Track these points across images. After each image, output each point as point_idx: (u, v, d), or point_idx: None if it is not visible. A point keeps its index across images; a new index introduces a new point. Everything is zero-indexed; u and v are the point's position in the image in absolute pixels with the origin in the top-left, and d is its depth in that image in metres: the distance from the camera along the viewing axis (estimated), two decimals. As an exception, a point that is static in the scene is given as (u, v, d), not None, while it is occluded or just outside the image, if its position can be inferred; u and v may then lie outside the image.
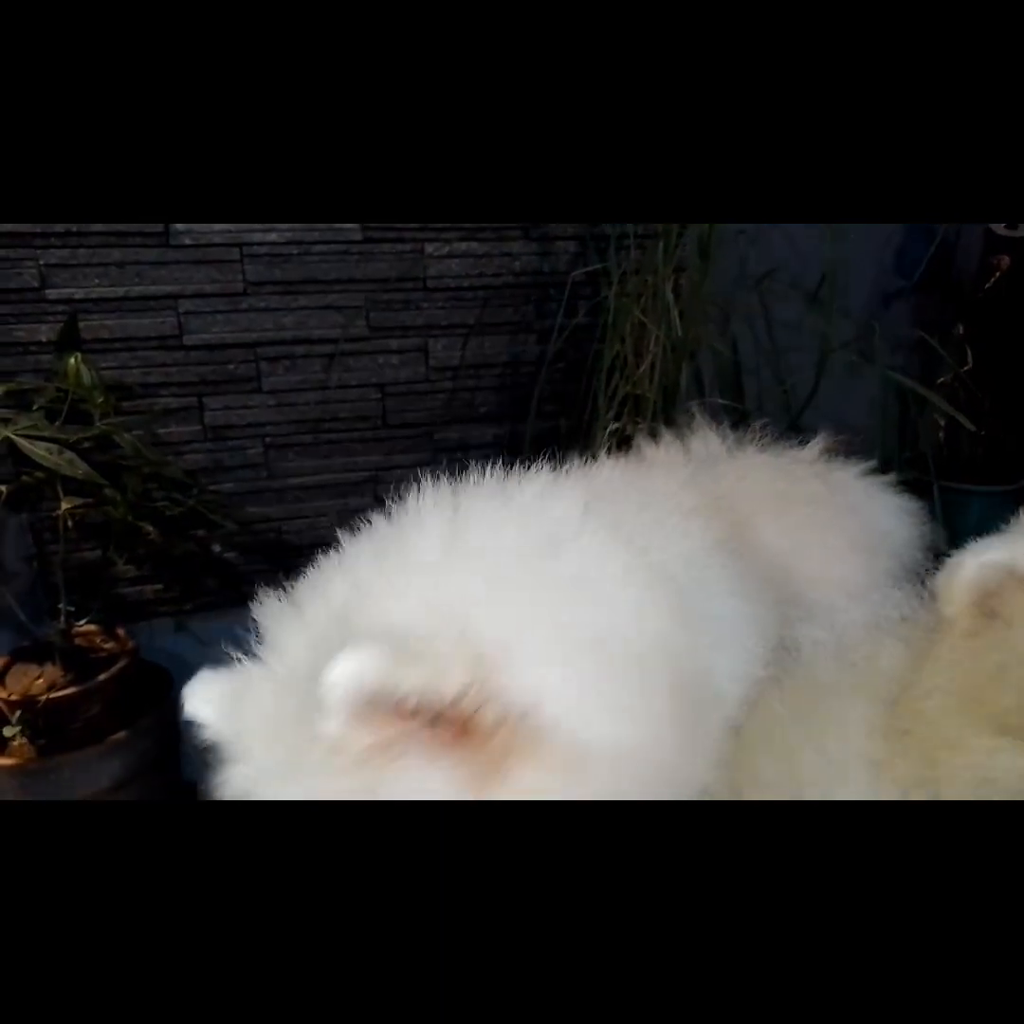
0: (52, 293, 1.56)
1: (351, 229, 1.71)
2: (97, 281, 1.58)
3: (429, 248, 1.78)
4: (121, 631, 1.46)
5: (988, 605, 0.61)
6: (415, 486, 0.78)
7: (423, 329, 1.82)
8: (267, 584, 0.76)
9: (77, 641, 1.41)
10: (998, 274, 2.21)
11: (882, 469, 1.16)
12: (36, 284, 1.55)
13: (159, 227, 1.59)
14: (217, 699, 0.70)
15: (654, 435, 1.18)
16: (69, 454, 1.20)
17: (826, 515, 1.03)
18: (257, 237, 1.66)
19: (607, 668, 0.68)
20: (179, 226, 1.60)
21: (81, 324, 1.39)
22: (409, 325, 1.81)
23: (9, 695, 1.28)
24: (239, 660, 0.71)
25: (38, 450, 1.18)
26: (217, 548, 1.75)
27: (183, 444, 1.71)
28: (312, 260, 1.71)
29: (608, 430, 1.59)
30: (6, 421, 1.18)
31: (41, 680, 1.31)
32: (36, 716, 1.26)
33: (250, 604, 0.75)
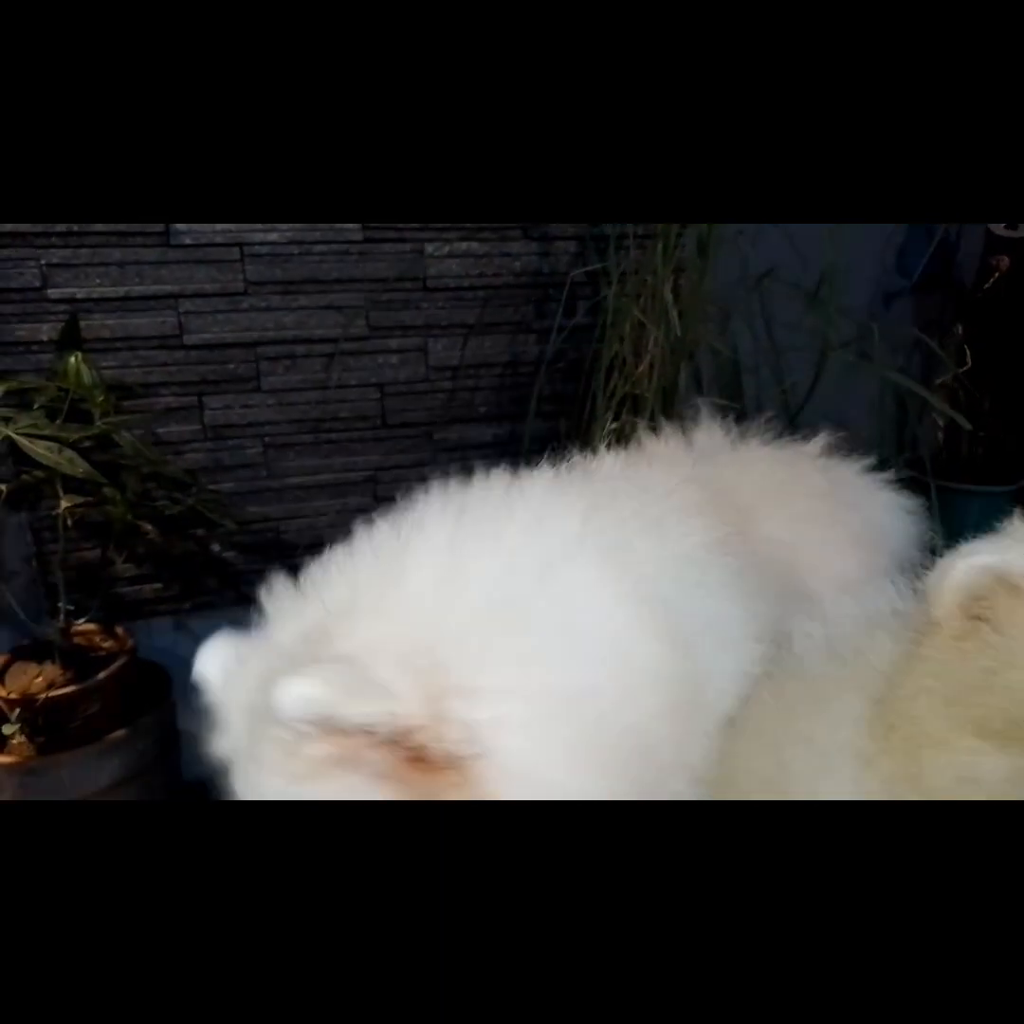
0: (53, 292, 1.56)
1: (351, 229, 1.71)
2: (98, 281, 1.59)
3: (429, 248, 1.78)
4: (120, 630, 1.47)
5: (976, 609, 0.61)
6: (422, 490, 0.78)
7: (423, 329, 1.82)
8: (266, 584, 0.76)
9: (76, 640, 1.42)
10: (998, 274, 2.21)
11: (880, 469, 1.17)
12: (37, 283, 1.55)
13: (160, 227, 1.59)
14: (222, 664, 0.71)
15: (654, 432, 1.17)
16: (69, 453, 1.20)
17: (827, 509, 1.03)
18: (257, 237, 1.66)
19: (576, 713, 0.68)
20: (180, 226, 1.60)
21: (82, 323, 1.39)
22: (409, 325, 1.81)
23: (8, 693, 1.28)
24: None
25: (38, 449, 1.18)
26: (216, 547, 1.75)
27: (183, 443, 1.71)
28: (312, 260, 1.71)
29: (607, 430, 1.59)
30: (7, 420, 1.18)
31: (40, 678, 1.31)
32: (35, 714, 1.26)
33: (249, 604, 0.75)
